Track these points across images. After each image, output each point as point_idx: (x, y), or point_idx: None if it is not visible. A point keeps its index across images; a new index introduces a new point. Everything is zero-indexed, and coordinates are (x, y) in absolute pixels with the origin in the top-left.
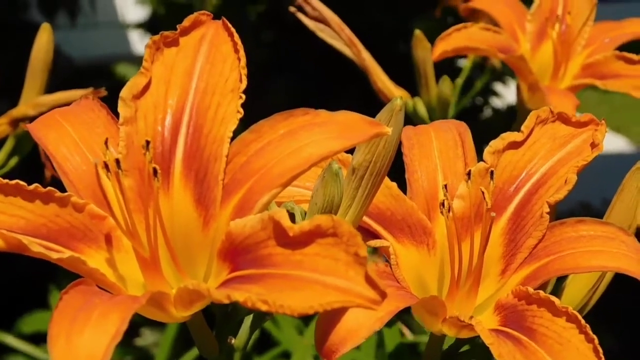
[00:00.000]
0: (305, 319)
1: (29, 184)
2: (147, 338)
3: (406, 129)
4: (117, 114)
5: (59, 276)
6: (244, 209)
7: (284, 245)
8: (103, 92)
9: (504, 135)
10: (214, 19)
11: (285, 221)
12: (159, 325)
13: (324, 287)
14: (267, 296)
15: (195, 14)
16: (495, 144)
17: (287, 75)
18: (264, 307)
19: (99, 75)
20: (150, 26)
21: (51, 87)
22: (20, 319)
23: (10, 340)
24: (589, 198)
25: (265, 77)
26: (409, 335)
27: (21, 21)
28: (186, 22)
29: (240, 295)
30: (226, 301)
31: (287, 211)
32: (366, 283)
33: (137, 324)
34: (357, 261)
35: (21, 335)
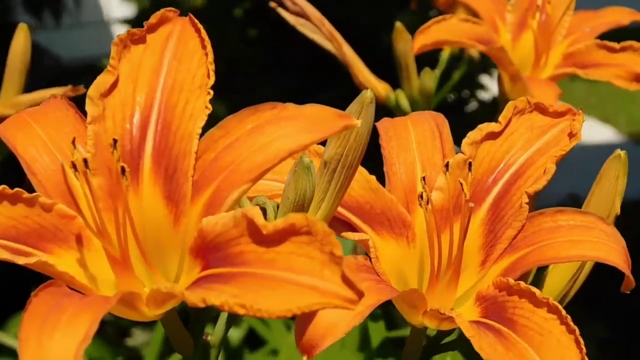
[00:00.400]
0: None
1: (11, 185)
2: (137, 338)
3: (383, 121)
4: None
5: (43, 278)
6: (214, 206)
7: (257, 243)
8: (82, 89)
9: (481, 126)
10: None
11: (259, 219)
12: (149, 325)
13: (300, 287)
14: (243, 298)
15: (162, 10)
16: (473, 134)
17: (273, 72)
18: (241, 311)
19: (86, 73)
20: (136, 24)
21: (38, 87)
22: (7, 320)
23: (7, 339)
24: (577, 189)
25: (252, 73)
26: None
27: (6, 22)
28: (153, 19)
29: (215, 298)
30: (202, 305)
31: (259, 206)
32: (342, 282)
33: (128, 324)
34: (333, 260)
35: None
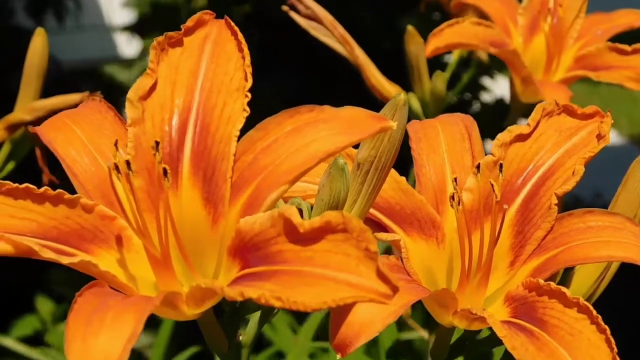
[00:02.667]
0: (300, 318)
1: None
2: (141, 340)
3: (413, 122)
4: None
5: (45, 281)
6: (253, 206)
7: (294, 242)
8: (98, 95)
9: (511, 128)
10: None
11: (296, 218)
12: (153, 327)
13: (336, 282)
14: (280, 293)
15: (199, 13)
16: (503, 136)
17: (274, 74)
18: (277, 304)
19: (86, 77)
20: (137, 28)
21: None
22: (9, 323)
23: (9, 342)
24: (579, 191)
25: (253, 76)
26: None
27: (8, 26)
28: (189, 22)
29: (253, 292)
30: (240, 298)
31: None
32: (378, 278)
33: None
34: (368, 256)
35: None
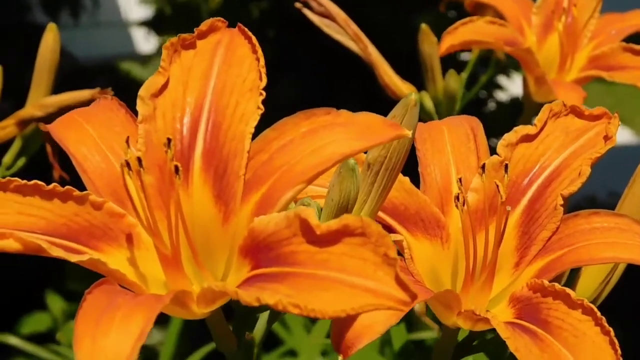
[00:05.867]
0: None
1: None
2: (153, 337)
3: (418, 124)
4: None
5: (56, 278)
6: (267, 205)
7: (310, 243)
8: (109, 92)
9: (517, 128)
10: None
11: (313, 219)
12: (164, 324)
13: (352, 288)
14: (297, 298)
15: (212, 20)
16: (509, 137)
17: (290, 72)
18: (295, 311)
19: (102, 73)
20: (154, 25)
21: (54, 86)
22: (18, 320)
23: (14, 340)
24: (594, 191)
25: (269, 74)
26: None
27: (24, 22)
28: (203, 26)
29: (270, 297)
30: (256, 304)
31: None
32: (396, 284)
33: None
34: (386, 262)
35: (18, 336)
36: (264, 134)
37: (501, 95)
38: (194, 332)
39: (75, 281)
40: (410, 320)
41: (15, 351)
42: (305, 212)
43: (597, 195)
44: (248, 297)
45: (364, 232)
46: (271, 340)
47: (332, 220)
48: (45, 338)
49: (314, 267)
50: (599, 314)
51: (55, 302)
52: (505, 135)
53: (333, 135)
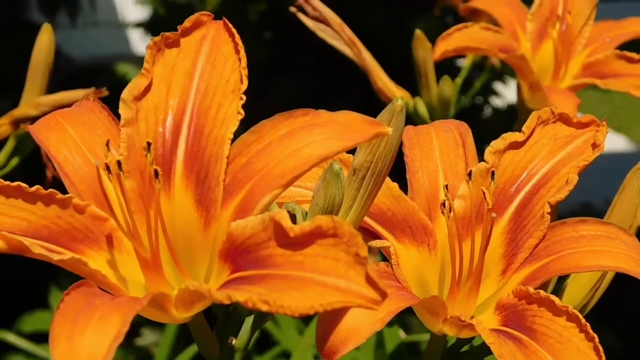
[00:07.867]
0: (306, 319)
1: (30, 184)
2: (147, 338)
3: (407, 128)
4: (118, 114)
5: (60, 276)
6: (245, 210)
7: (284, 246)
8: (104, 92)
9: (505, 135)
10: (215, 19)
11: (286, 222)
12: (159, 325)
13: (325, 287)
14: (268, 296)
15: (196, 14)
16: (497, 144)
17: (287, 75)
18: (264, 307)
19: (98, 74)
20: (151, 26)
21: (50, 86)
22: (20, 318)
23: (12, 338)
24: (590, 198)
25: (266, 76)
26: (403, 335)
27: (21, 21)
28: (187, 22)
29: (240, 295)
30: (227, 302)
31: (289, 212)
32: (367, 283)
33: (138, 323)
34: (358, 261)
35: (21, 334)
36: (243, 137)
37: (497, 102)
38: (189, 335)
39: (78, 280)
40: (405, 324)
41: (14, 349)
42: (279, 215)
43: (592, 202)
44: (219, 295)
45: (336, 232)
46: (264, 342)
47: (305, 223)
48: (46, 336)
49: (289, 268)
50: (583, 320)
51: (59, 301)
52: (493, 142)
53: (311, 137)
